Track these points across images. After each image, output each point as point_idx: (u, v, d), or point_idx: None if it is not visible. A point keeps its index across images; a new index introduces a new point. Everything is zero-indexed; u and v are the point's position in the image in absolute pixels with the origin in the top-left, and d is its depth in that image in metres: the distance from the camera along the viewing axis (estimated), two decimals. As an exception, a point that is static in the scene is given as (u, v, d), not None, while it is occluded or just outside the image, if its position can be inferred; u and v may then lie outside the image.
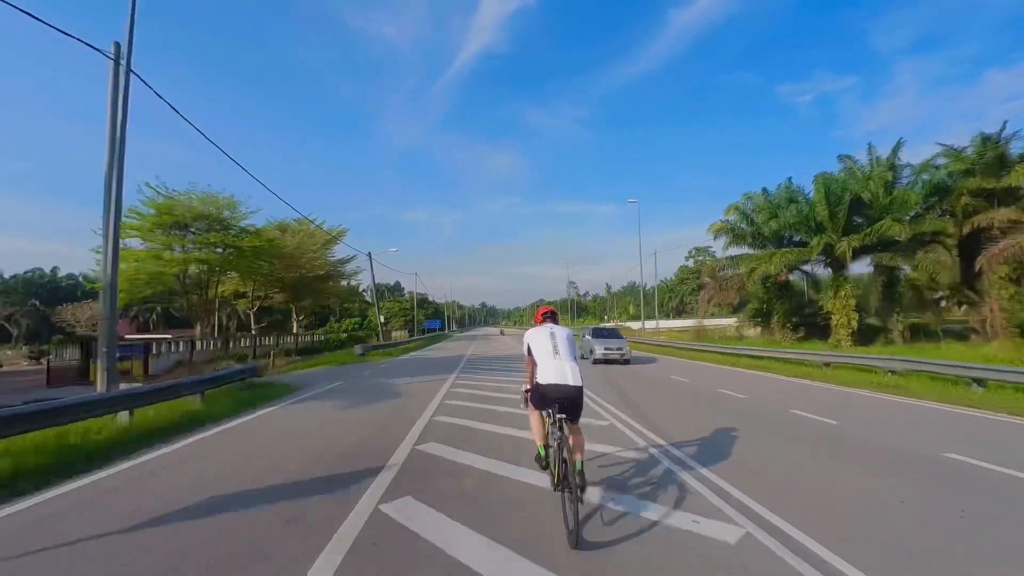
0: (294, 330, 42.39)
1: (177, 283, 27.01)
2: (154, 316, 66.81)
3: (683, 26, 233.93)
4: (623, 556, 3.28)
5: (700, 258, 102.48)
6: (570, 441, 3.78)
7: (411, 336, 53.97)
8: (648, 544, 3.48)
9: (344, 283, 59.08)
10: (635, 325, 77.14)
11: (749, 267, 28.45)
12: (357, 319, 76.47)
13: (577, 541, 3.33)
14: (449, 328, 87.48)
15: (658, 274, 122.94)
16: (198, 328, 32.44)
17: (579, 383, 3.92)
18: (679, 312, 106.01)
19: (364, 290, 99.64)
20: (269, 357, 24.74)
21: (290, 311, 43.90)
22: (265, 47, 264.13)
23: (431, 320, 64.62)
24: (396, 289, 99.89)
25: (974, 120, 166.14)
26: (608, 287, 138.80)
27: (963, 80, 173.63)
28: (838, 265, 25.32)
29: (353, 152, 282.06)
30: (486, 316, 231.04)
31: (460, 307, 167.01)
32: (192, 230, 26.04)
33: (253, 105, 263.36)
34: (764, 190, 29.97)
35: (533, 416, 4.40)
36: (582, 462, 3.82)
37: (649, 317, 75.14)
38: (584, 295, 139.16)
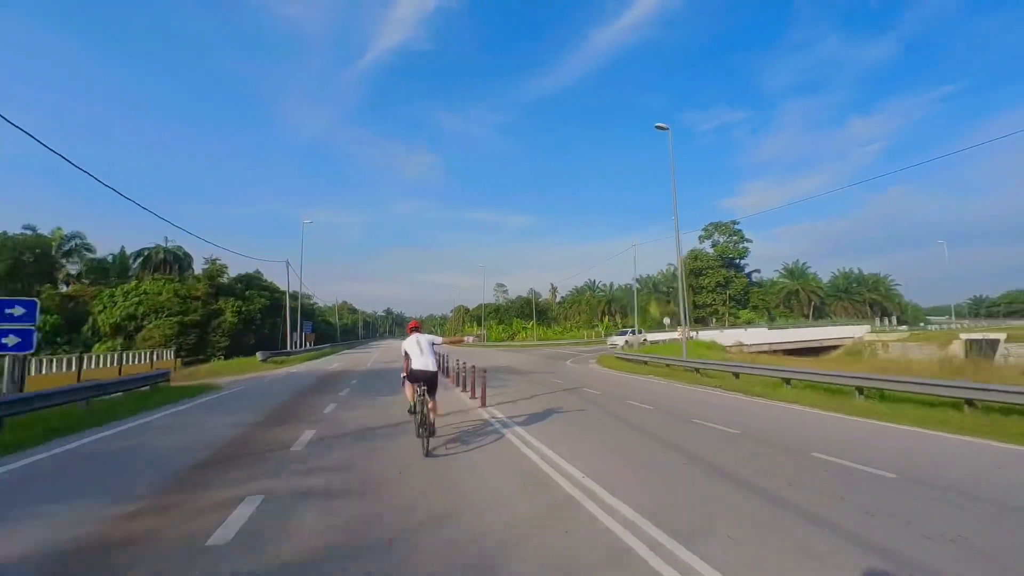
0: None
1: None
2: None
3: (601, 45, 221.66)
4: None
5: (722, 238, 69.13)
6: (429, 405, 6.70)
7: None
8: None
9: None
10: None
11: None
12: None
13: (426, 454, 6.46)
14: (302, 344, 43.13)
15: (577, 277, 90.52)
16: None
17: (435, 369, 6.92)
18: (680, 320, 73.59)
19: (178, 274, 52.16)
20: None
21: None
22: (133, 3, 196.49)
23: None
24: (253, 281, 51.15)
25: (841, 160, 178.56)
26: (553, 288, 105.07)
27: (833, 123, 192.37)
28: None
29: (241, 139, 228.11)
30: (391, 325, 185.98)
31: (353, 311, 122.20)
32: None
33: (113, 75, 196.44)
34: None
35: (407, 386, 7.31)
36: (433, 417, 6.82)
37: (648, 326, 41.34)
38: (514, 299, 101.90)
